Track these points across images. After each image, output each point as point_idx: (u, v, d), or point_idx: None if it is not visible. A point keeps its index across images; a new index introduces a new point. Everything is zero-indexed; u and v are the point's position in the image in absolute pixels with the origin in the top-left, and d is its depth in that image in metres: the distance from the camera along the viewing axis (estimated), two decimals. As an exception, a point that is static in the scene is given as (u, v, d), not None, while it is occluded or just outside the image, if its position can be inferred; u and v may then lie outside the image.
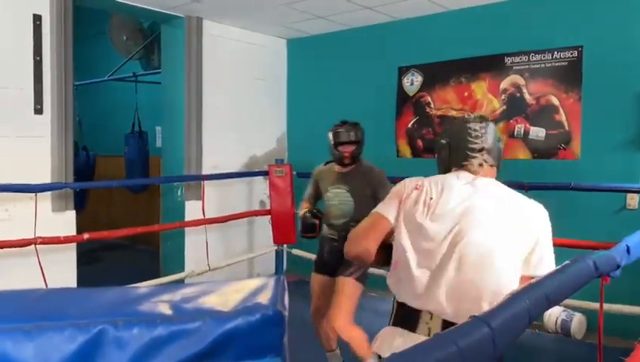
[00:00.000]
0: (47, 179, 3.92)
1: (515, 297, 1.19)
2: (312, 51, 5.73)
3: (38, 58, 3.88)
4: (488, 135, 1.81)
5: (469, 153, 1.80)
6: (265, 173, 5.36)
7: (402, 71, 4.99)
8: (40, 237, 3.61)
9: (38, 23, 3.87)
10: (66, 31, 3.99)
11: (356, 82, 5.33)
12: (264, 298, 0.69)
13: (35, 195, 3.68)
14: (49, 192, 3.91)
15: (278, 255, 5.55)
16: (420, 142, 4.88)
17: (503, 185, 1.79)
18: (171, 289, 0.73)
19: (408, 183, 1.87)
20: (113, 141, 6.81)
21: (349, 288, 2.92)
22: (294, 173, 5.30)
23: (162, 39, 5.26)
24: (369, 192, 3.02)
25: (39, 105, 3.89)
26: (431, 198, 1.76)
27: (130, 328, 0.64)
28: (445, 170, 1.89)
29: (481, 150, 1.79)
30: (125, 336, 0.63)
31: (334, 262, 3.06)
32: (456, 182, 1.78)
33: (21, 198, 3.73)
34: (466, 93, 4.59)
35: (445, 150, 1.89)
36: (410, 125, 4.94)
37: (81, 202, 6.07)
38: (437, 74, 4.76)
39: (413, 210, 1.76)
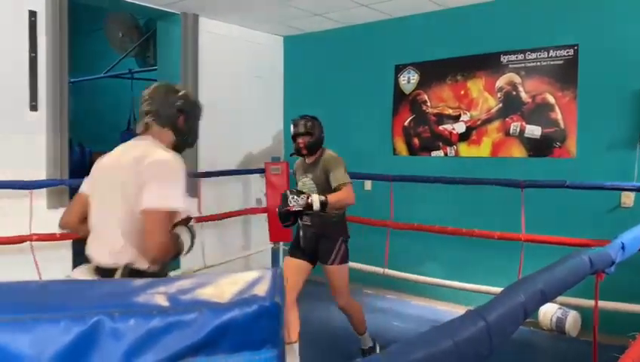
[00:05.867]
0: (42, 175, 3.90)
1: (510, 291, 1.20)
2: (308, 49, 5.72)
3: (33, 55, 3.86)
4: (155, 98, 1.97)
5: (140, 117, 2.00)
6: (261, 171, 5.36)
7: (399, 69, 5.00)
8: (35, 234, 3.60)
9: (33, 19, 3.85)
10: (62, 27, 3.97)
11: (353, 80, 5.33)
12: (261, 289, 0.69)
13: (31, 192, 3.67)
14: (44, 189, 3.90)
15: (274, 253, 5.55)
16: (416, 140, 4.89)
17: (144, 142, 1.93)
18: (167, 281, 0.73)
19: None
20: (109, 138, 6.77)
21: (338, 273, 3.26)
22: (291, 170, 5.30)
23: (158, 36, 5.24)
24: (325, 177, 3.23)
25: (34, 102, 3.87)
26: None
27: (126, 319, 0.63)
28: None
29: (147, 113, 1.98)
30: (122, 327, 0.63)
31: (312, 246, 3.31)
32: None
33: (16, 195, 3.72)
34: (462, 92, 4.60)
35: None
36: (406, 123, 4.95)
37: None
38: (433, 72, 4.77)
39: None
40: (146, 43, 6.02)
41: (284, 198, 3.17)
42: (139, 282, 0.73)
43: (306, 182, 3.32)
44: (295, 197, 3.05)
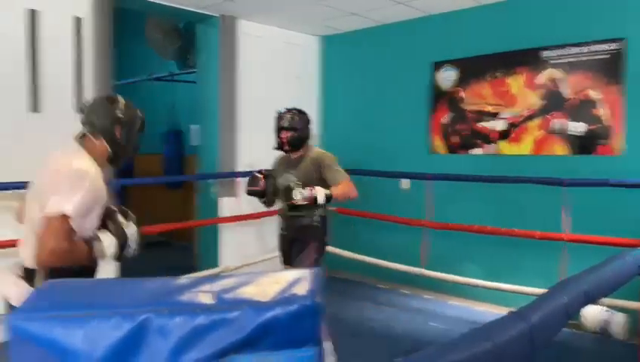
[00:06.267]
0: (88, 176, 4.04)
1: (552, 293, 1.18)
2: (345, 48, 5.72)
3: (79, 59, 4.00)
4: (93, 109, 2.03)
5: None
6: (298, 170, 5.39)
7: (436, 66, 4.94)
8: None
9: (78, 25, 3.99)
10: (106, 32, 4.10)
11: (390, 78, 5.31)
12: (302, 289, 0.70)
13: (77, 192, 3.80)
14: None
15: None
16: (454, 138, 4.83)
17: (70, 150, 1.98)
18: (211, 279, 0.75)
19: None
20: (151, 139, 6.96)
21: None
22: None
23: (197, 39, 5.35)
24: (316, 175, 3.09)
25: (81, 106, 4.00)
26: None
27: (173, 317, 0.66)
28: None
29: (83, 123, 2.03)
30: (168, 325, 0.66)
31: (289, 251, 3.23)
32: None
33: (64, 195, 3.86)
34: (502, 88, 4.51)
35: None
36: (444, 121, 4.89)
37: (120, 200, 6.26)
38: (472, 69, 4.69)
39: None
40: (185, 46, 6.15)
41: (252, 180, 3.17)
42: (184, 281, 0.75)
43: (287, 178, 3.16)
44: (300, 190, 2.96)
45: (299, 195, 2.95)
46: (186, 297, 0.71)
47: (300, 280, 0.72)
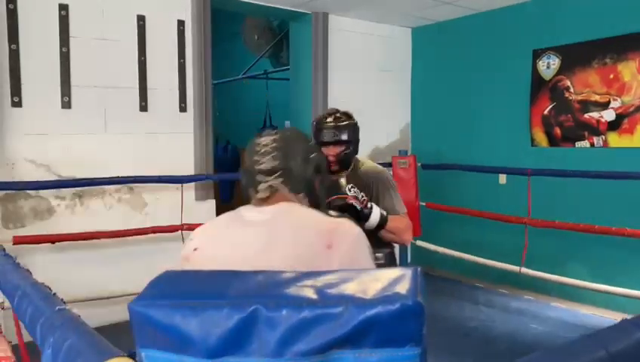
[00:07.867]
0: (191, 171, 4.29)
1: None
2: (437, 39, 5.58)
3: (182, 60, 4.25)
4: (285, 149, 1.33)
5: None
6: (388, 165, 5.35)
7: (537, 54, 4.68)
8: (186, 224, 3.97)
9: (181, 28, 4.23)
10: (206, 34, 4.31)
11: (485, 68, 5.10)
12: (403, 288, 0.70)
13: (181, 186, 4.05)
14: (193, 183, 4.28)
15: (403, 246, 5.52)
16: (557, 130, 4.55)
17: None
18: (313, 274, 0.77)
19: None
20: (247, 135, 7.23)
21: None
22: (419, 164, 5.23)
23: (290, 36, 5.46)
24: (366, 197, 2.20)
25: (183, 104, 4.26)
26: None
27: (279, 309, 0.69)
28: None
29: (271, 171, 1.31)
30: (275, 317, 0.68)
31: None
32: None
33: (169, 188, 4.13)
34: (611, 76, 4.18)
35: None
36: (546, 112, 4.62)
37: (228, 195, 6.61)
38: (577, 55, 4.39)
39: None
40: (279, 43, 6.31)
41: (336, 185, 2.13)
42: (288, 274, 0.78)
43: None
44: (355, 189, 2.12)
45: (351, 191, 2.10)
46: (291, 291, 0.73)
47: (401, 279, 0.72)
